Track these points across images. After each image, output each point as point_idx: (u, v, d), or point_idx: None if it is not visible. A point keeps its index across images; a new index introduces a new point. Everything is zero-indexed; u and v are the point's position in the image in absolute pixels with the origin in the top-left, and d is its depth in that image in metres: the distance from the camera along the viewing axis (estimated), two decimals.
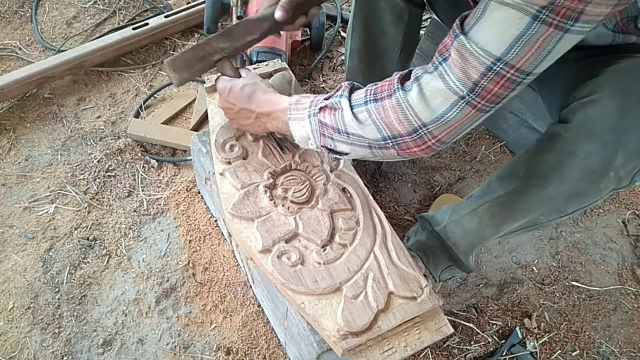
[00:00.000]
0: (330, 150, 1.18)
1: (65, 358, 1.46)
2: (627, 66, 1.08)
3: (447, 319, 1.22)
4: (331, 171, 1.39)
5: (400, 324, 1.16)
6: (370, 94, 1.07)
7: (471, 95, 0.96)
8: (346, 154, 1.17)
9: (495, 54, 0.91)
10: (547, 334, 1.65)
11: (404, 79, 1.05)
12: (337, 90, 1.15)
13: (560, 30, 0.87)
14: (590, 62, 1.14)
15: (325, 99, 1.15)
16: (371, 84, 1.10)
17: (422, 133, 1.03)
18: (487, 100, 0.97)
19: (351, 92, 1.13)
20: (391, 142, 1.07)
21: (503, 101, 0.99)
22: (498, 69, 0.92)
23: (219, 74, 1.38)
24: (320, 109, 1.14)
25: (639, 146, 1.04)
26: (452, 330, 1.20)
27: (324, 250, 1.24)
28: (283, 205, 1.31)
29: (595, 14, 0.85)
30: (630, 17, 1.10)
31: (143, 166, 1.88)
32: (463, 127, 1.03)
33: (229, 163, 1.37)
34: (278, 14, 1.31)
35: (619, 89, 1.04)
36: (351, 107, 1.09)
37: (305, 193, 1.32)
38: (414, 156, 1.10)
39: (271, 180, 1.34)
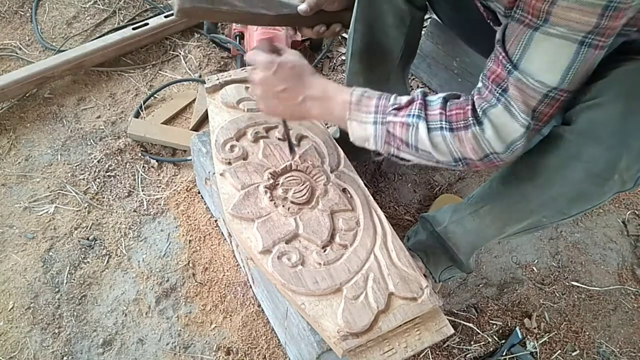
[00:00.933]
0: (391, 155, 1.20)
1: (65, 358, 1.46)
2: (632, 69, 1.08)
3: (447, 319, 1.22)
4: (331, 172, 1.39)
5: (400, 325, 1.16)
6: (445, 122, 1.09)
7: (533, 121, 1.05)
8: (407, 161, 1.20)
9: (551, 84, 0.99)
10: (547, 334, 1.65)
11: (474, 110, 1.09)
12: (410, 105, 1.13)
13: (603, 50, 0.96)
14: None
15: (396, 109, 1.14)
16: (440, 105, 1.11)
17: (493, 157, 1.10)
18: (543, 122, 1.06)
19: (426, 107, 1.12)
20: (461, 163, 1.12)
21: (552, 119, 1.08)
22: (553, 94, 1.01)
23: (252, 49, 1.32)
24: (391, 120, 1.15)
25: None
26: (452, 331, 1.20)
27: (324, 251, 1.24)
28: (283, 206, 1.31)
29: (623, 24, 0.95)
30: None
31: (143, 166, 1.88)
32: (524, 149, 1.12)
33: (229, 163, 1.37)
34: (302, 7, 1.36)
35: (624, 92, 1.04)
36: (428, 130, 1.10)
37: (305, 194, 1.32)
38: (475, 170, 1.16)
39: (271, 181, 1.34)
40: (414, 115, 1.11)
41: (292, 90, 1.24)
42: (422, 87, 2.19)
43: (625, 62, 1.09)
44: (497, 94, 1.05)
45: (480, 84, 1.10)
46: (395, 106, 1.14)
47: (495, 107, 1.05)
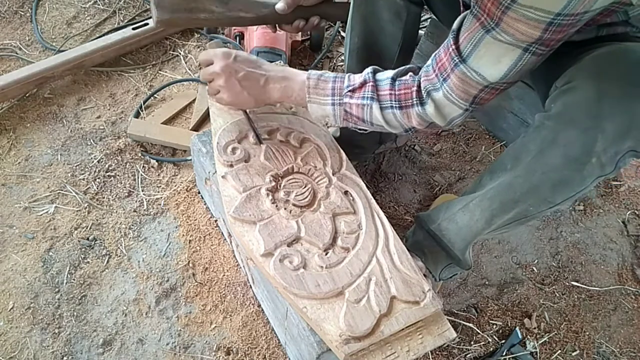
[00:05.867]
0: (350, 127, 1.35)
1: (65, 358, 1.46)
2: (607, 52, 1.09)
3: (447, 319, 1.23)
4: (333, 174, 1.39)
5: (402, 329, 1.16)
6: (395, 101, 1.23)
7: (472, 106, 1.16)
8: (364, 130, 1.35)
9: (492, 80, 1.09)
10: (547, 334, 1.65)
11: (419, 91, 1.21)
12: (363, 87, 1.25)
13: (543, 57, 1.05)
14: (576, 53, 1.15)
15: (351, 91, 1.26)
16: (389, 85, 1.23)
17: (435, 126, 1.25)
18: (483, 104, 1.18)
19: (377, 89, 1.24)
20: (411, 131, 1.30)
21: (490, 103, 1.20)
22: (493, 86, 1.11)
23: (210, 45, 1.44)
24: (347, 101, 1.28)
25: (618, 131, 1.03)
26: (455, 335, 1.20)
27: (326, 254, 1.24)
28: (285, 209, 1.30)
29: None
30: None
31: (143, 166, 1.88)
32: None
33: (231, 166, 1.37)
34: (279, 5, 1.40)
35: (597, 74, 1.05)
36: (380, 108, 1.24)
37: (307, 196, 1.32)
38: None
39: (273, 183, 1.34)
40: (367, 97, 1.25)
41: (253, 74, 1.33)
42: None
43: (603, 47, 1.11)
44: (440, 81, 1.16)
45: (430, 64, 1.20)
46: (350, 88, 1.26)
47: (437, 91, 1.17)
